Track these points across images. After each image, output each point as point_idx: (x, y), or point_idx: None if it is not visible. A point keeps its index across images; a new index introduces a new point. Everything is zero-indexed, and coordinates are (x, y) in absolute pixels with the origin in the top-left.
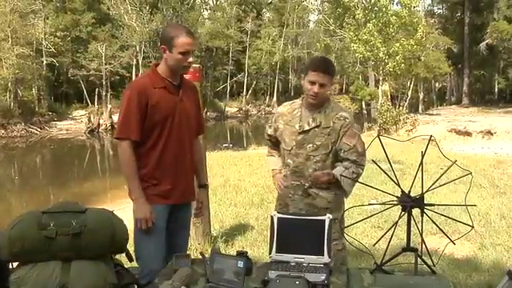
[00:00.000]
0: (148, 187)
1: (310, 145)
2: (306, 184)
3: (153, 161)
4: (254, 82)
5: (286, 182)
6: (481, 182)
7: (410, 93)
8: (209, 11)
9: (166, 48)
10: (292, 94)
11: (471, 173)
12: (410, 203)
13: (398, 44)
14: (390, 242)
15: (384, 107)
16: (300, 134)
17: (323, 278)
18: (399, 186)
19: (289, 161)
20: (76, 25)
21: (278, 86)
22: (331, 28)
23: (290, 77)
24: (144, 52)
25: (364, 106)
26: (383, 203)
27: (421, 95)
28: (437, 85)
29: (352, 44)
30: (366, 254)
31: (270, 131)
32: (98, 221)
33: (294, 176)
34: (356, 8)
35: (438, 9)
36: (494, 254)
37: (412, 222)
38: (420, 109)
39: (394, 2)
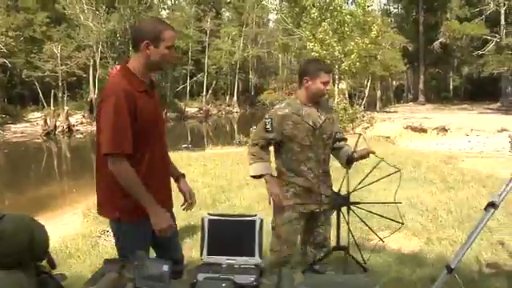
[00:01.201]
0: (138, 202)
1: (325, 135)
2: (327, 168)
3: (143, 171)
4: (214, 82)
5: (311, 173)
6: (431, 177)
7: (367, 91)
8: (167, 11)
9: (150, 43)
10: (252, 93)
11: (400, 170)
12: (339, 202)
13: (352, 43)
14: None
15: (340, 105)
16: (317, 129)
17: (252, 279)
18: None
19: (310, 155)
20: (29, 24)
21: (238, 85)
22: (289, 27)
23: (250, 76)
24: (101, 52)
25: None
26: (314, 203)
27: (378, 93)
28: (394, 83)
29: (308, 43)
30: (302, 254)
31: (271, 136)
32: (15, 227)
33: (319, 165)
34: (311, 7)
35: (394, 8)
36: (439, 248)
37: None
38: (377, 106)
39: (349, 2)
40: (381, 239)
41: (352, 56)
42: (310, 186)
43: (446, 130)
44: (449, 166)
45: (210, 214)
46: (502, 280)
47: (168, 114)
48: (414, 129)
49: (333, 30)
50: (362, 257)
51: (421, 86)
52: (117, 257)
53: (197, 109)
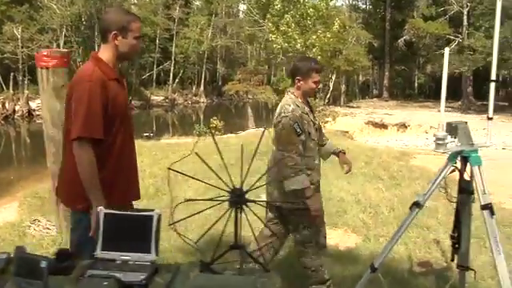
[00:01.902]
0: (109, 189)
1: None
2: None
3: (112, 160)
4: (182, 71)
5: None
6: (380, 173)
7: (331, 85)
8: None
9: (119, 34)
10: (220, 83)
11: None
12: (235, 199)
13: (314, 36)
14: (220, 239)
15: None
16: (315, 124)
17: (142, 277)
18: (222, 180)
19: (316, 149)
20: None
21: (205, 75)
22: (255, 18)
23: (218, 66)
24: (66, 36)
25: None
26: (210, 199)
27: (343, 88)
28: (360, 78)
29: (270, 35)
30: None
31: (303, 137)
32: None
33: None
34: None
35: (363, 4)
36: (375, 245)
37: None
38: (342, 101)
39: None
40: (274, 234)
41: (314, 50)
42: (319, 180)
43: (406, 127)
44: (400, 163)
45: (106, 208)
46: (431, 279)
47: (133, 102)
48: (375, 124)
49: (295, 23)
50: (255, 258)
51: (385, 82)
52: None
53: (163, 97)
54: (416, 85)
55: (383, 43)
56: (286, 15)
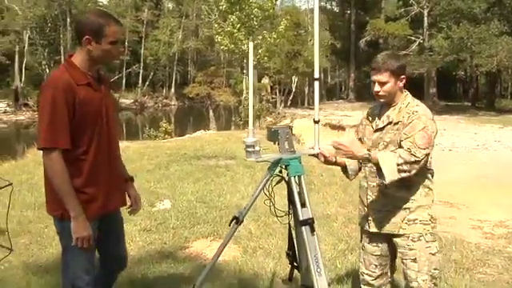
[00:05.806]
0: (83, 199)
1: (381, 142)
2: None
3: (86, 169)
4: (152, 74)
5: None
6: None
7: (294, 86)
8: None
9: (92, 39)
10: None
11: (11, 184)
12: None
13: (260, 37)
14: None
15: (247, 101)
16: (375, 132)
17: None
18: None
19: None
20: None
21: (176, 77)
22: (212, 19)
23: (190, 68)
24: (30, 39)
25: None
26: None
27: (306, 89)
28: (329, 80)
29: (216, 36)
30: None
31: (357, 137)
32: None
33: (371, 176)
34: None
35: (329, 5)
36: (248, 259)
37: None
38: (306, 103)
39: None
40: None
41: (260, 51)
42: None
43: None
44: (325, 167)
45: None
46: None
47: None
48: (333, 126)
49: (241, 24)
50: None
51: (351, 83)
52: None
53: (132, 100)
54: None
55: (348, 44)
56: (230, 16)
